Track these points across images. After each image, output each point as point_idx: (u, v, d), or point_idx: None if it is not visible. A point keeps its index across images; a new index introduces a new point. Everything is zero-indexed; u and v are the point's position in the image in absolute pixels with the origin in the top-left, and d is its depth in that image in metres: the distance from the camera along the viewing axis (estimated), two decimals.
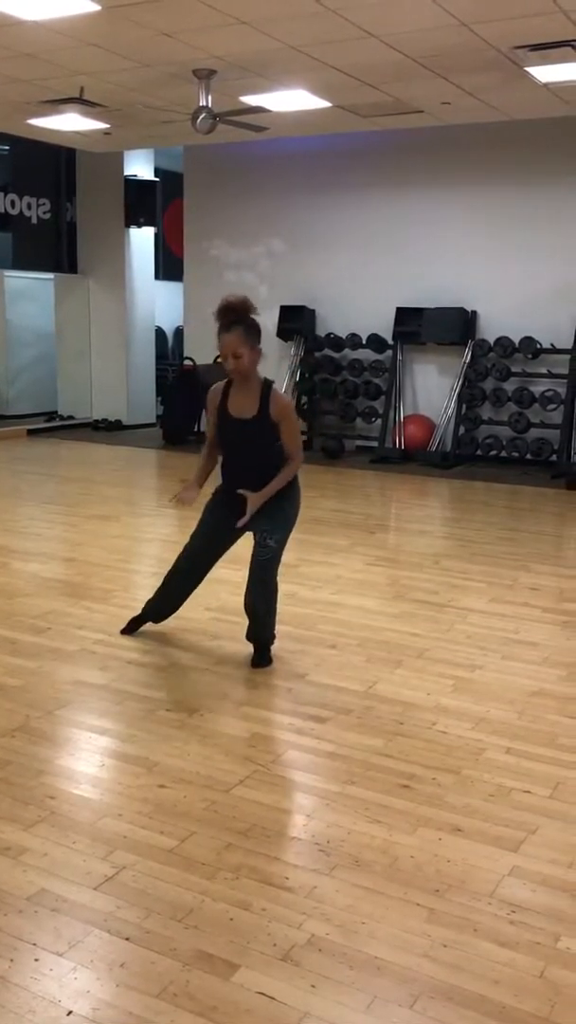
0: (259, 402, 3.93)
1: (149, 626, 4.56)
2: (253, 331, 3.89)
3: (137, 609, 4.57)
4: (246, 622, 4.63)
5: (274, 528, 4.00)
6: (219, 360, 3.91)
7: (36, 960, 2.22)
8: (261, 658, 4.17)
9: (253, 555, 4.06)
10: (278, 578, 4.16)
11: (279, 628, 4.31)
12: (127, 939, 2.31)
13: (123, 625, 4.54)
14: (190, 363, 11.09)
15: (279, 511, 4.02)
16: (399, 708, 3.71)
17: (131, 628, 4.52)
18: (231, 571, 5.59)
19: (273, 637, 4.25)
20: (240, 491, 3.96)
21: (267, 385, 3.98)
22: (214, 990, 2.14)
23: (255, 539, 4.06)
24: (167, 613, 4.48)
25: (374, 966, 2.23)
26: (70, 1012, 2.06)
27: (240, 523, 3.97)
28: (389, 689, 3.90)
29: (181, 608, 4.45)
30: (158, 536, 6.61)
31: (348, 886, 2.55)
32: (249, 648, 4.24)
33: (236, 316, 3.85)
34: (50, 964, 2.21)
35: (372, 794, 3.04)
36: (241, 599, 4.15)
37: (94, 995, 2.11)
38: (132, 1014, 2.06)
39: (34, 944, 2.28)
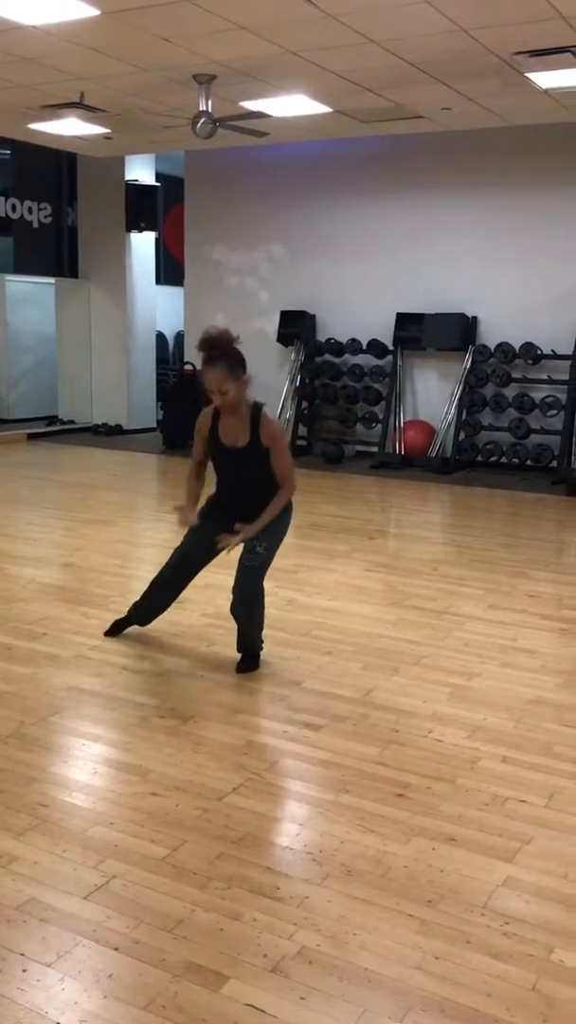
0: (249, 429, 3.88)
1: (143, 632, 4.54)
2: (237, 363, 3.79)
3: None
4: None
5: (264, 536, 3.96)
6: (210, 394, 3.85)
7: (24, 971, 2.20)
8: (246, 663, 4.15)
9: (240, 561, 4.03)
10: (265, 585, 4.13)
11: (271, 634, 4.28)
12: (116, 949, 2.28)
13: (108, 627, 4.53)
14: (190, 368, 11.08)
15: (270, 528, 3.97)
16: (395, 716, 3.69)
17: (115, 630, 4.51)
18: (227, 577, 5.57)
19: (261, 643, 4.23)
20: (237, 526, 3.91)
21: (256, 409, 3.91)
22: (203, 1002, 2.11)
23: (244, 546, 4.03)
24: (152, 616, 4.47)
25: (365, 978, 2.21)
26: None
27: (221, 545, 3.94)
28: (385, 697, 3.88)
29: (176, 614, 4.43)
30: (157, 541, 6.59)
31: (340, 896, 2.53)
32: None
33: (218, 350, 3.76)
34: (37, 975, 2.19)
35: (366, 803, 3.01)
36: (224, 604, 4.13)
37: (81, 1007, 2.09)
38: None
39: (22, 954, 2.25)
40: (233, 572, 4.09)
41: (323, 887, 2.56)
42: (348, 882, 2.59)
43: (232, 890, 2.54)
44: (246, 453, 3.89)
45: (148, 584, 4.40)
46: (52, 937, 2.32)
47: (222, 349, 3.76)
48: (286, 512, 4.04)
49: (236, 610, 4.12)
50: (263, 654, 4.24)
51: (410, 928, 2.40)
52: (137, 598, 4.48)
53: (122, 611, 4.74)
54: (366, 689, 3.95)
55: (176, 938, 2.33)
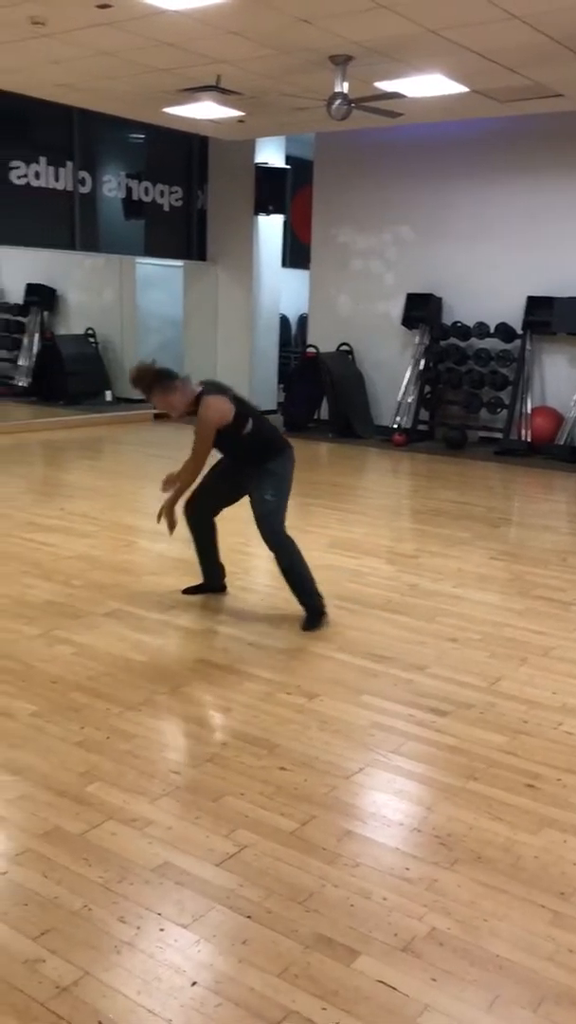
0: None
1: (270, 610, 4.62)
2: (164, 379, 4.28)
3: (257, 591, 4.62)
4: (368, 610, 4.65)
5: (265, 486, 4.34)
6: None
7: (161, 930, 2.27)
8: (308, 622, 4.43)
9: (254, 515, 4.38)
10: (292, 539, 4.43)
11: (393, 618, 4.27)
12: (249, 917, 2.33)
13: (222, 596, 4.82)
14: (313, 350, 11.10)
15: (264, 474, 4.36)
16: (523, 706, 3.63)
17: (191, 591, 4.84)
18: (350, 559, 5.59)
19: (318, 601, 4.48)
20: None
21: (197, 398, 4.30)
22: (335, 975, 2.14)
23: (252, 500, 4.39)
24: (209, 571, 4.83)
25: (496, 965, 2.20)
26: (194, 983, 2.10)
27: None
28: (513, 686, 3.82)
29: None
30: None
31: (469, 881, 2.51)
32: (378, 635, 4.30)
33: (146, 383, 4.29)
34: (175, 935, 2.26)
35: (495, 791, 2.99)
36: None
37: (217, 969, 2.15)
38: (254, 991, 2.08)
39: (159, 915, 2.33)
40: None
41: (452, 871, 2.56)
42: (478, 868, 2.57)
43: (361, 867, 2.56)
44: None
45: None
46: (187, 900, 2.39)
47: (149, 379, 4.28)
48: (279, 466, 4.39)
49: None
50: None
51: (542, 919, 2.37)
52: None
53: (246, 587, 4.85)
54: (493, 678, 3.91)
55: (308, 911, 2.37)
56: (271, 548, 4.42)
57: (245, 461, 4.42)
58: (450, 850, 2.66)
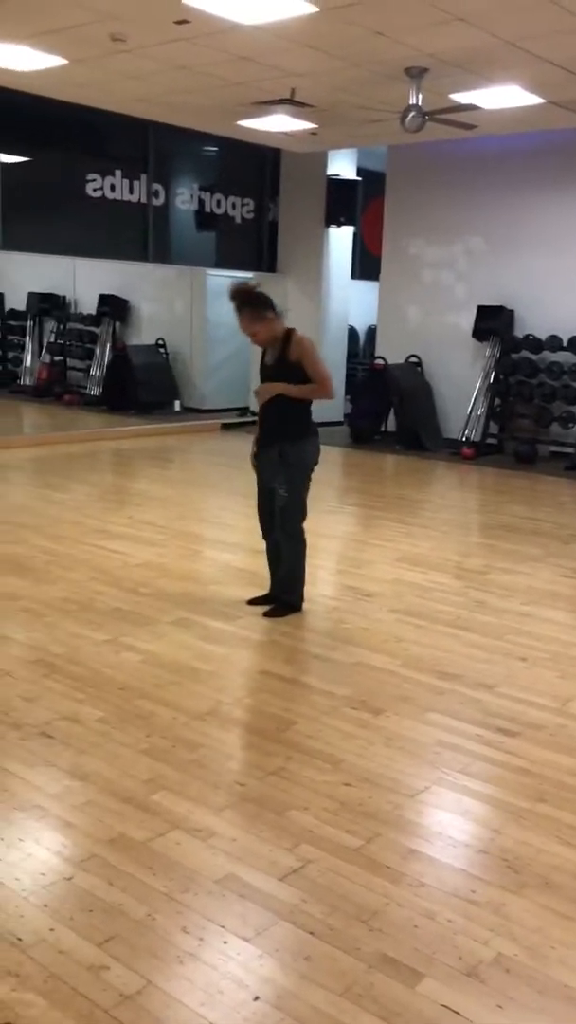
0: (280, 349, 4.47)
1: (334, 624, 4.60)
2: (259, 306, 4.39)
3: (321, 603, 4.61)
4: (435, 626, 4.61)
5: (281, 481, 4.51)
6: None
7: (224, 943, 2.27)
8: (273, 611, 4.66)
9: (275, 507, 4.58)
10: (305, 535, 4.67)
11: (460, 634, 4.21)
12: (312, 933, 2.32)
13: (281, 609, 4.78)
14: (381, 362, 11.07)
15: (284, 466, 4.51)
16: None
17: (257, 601, 4.84)
18: (418, 573, 5.54)
19: (300, 597, 4.71)
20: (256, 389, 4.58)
21: (287, 333, 4.47)
22: (398, 996, 2.11)
23: (271, 490, 4.58)
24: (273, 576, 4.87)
25: (565, 995, 2.14)
26: (256, 998, 2.09)
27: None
28: None
29: (364, 608, 4.54)
30: (340, 533, 6.64)
31: (538, 907, 2.46)
32: (445, 652, 4.26)
33: (240, 301, 4.39)
34: (238, 948, 2.25)
35: (565, 815, 2.92)
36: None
37: (279, 984, 2.14)
38: (316, 1009, 2.06)
39: (222, 927, 2.33)
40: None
41: (520, 896, 2.51)
42: (546, 893, 2.52)
43: (426, 888, 2.52)
44: (272, 369, 4.50)
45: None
46: (251, 914, 2.38)
47: (243, 299, 4.39)
48: (299, 454, 4.52)
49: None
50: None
51: None
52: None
53: (309, 598, 4.85)
54: (564, 698, 3.83)
55: (371, 930, 2.34)
56: (282, 538, 4.63)
57: (275, 430, 4.52)
58: (517, 873, 2.61)
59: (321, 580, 5.38)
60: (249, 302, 4.39)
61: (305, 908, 2.41)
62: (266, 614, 4.67)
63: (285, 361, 4.45)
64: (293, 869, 2.58)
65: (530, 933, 2.35)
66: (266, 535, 4.77)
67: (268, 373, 4.54)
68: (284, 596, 4.74)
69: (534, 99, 7.92)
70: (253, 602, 4.82)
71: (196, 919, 2.35)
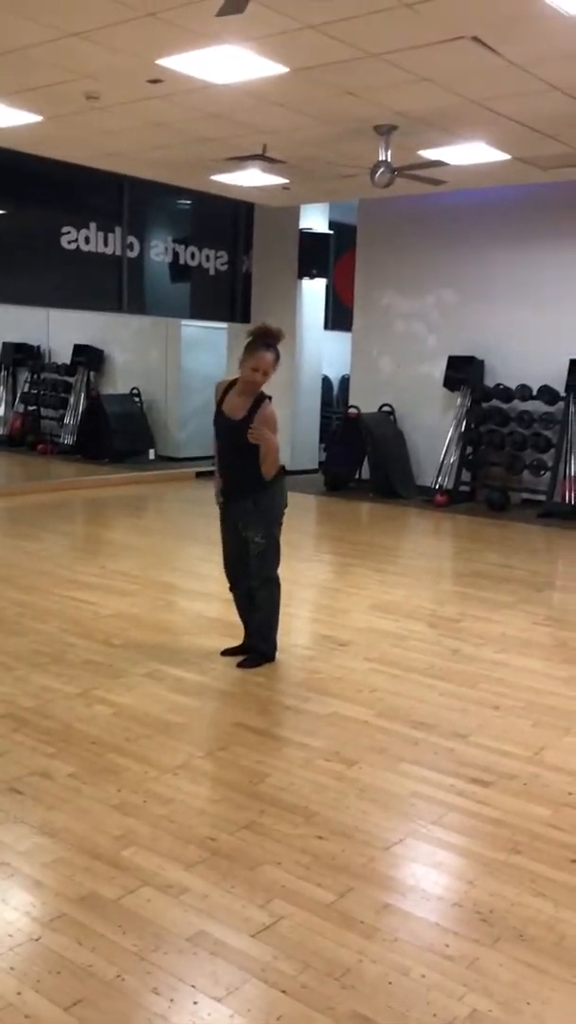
0: (248, 409, 4.46)
1: (308, 674, 4.58)
2: (271, 345, 4.43)
3: (295, 652, 4.59)
4: (409, 675, 4.60)
5: (255, 529, 4.55)
6: (251, 369, 4.45)
7: (195, 1003, 2.23)
8: (248, 661, 4.65)
9: (250, 554, 4.59)
10: (280, 585, 4.69)
11: (435, 683, 4.21)
12: (284, 992, 2.28)
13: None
14: (355, 411, 11.17)
15: (255, 514, 4.55)
16: (568, 778, 3.54)
17: (231, 652, 4.82)
18: (391, 621, 5.55)
19: (273, 646, 4.71)
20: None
21: (261, 397, 4.48)
22: None
23: (246, 538, 4.59)
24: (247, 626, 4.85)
25: None
26: None
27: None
28: (557, 757, 3.74)
29: (340, 657, 4.50)
30: (315, 581, 6.64)
31: (512, 961, 2.44)
32: (419, 702, 4.24)
33: (276, 342, 4.42)
34: (208, 1008, 2.21)
35: (538, 866, 2.91)
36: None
37: None
38: None
39: (193, 986, 2.28)
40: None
41: (494, 949, 2.48)
42: (520, 946, 2.50)
43: (399, 943, 2.49)
44: (238, 427, 4.43)
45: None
46: (222, 972, 2.34)
47: (258, 334, 4.42)
48: (270, 502, 4.57)
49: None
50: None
51: None
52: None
53: (283, 648, 4.83)
54: (537, 747, 3.82)
55: (344, 987, 2.31)
56: (258, 584, 4.63)
57: (245, 481, 4.51)
58: (491, 927, 2.58)
59: (295, 629, 5.37)
60: (265, 337, 4.41)
61: (277, 966, 2.37)
62: (240, 664, 4.64)
63: (247, 423, 4.42)
64: (265, 925, 2.54)
65: (504, 988, 2.33)
66: (234, 586, 4.77)
67: (231, 430, 4.48)
68: (259, 645, 4.72)
69: (500, 155, 8.13)
70: (227, 652, 4.80)
71: (166, 979, 2.31)
